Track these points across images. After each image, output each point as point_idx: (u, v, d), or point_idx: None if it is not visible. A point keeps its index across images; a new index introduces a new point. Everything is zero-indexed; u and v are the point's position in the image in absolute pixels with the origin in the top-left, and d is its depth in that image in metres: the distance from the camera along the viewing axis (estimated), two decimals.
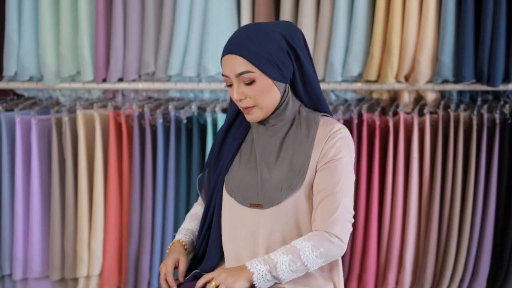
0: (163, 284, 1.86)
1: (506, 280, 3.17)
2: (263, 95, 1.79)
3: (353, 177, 1.83)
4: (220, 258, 1.95)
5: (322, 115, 1.88)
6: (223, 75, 1.82)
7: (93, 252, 3.37)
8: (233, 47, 1.78)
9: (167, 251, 1.96)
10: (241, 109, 1.86)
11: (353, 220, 1.81)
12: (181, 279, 1.89)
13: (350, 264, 3.31)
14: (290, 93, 1.86)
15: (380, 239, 3.27)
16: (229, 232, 1.89)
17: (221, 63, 1.82)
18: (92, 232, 3.37)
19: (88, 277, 3.44)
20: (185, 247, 1.97)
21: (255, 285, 1.72)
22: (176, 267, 1.91)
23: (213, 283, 1.70)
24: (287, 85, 1.84)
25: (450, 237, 3.17)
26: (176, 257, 1.91)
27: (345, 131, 1.84)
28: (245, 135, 1.94)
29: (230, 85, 1.83)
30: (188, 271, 1.99)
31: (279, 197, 1.79)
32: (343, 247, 1.78)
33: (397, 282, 3.27)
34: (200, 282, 1.74)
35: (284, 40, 1.78)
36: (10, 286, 3.50)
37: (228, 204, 1.90)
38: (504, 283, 3.17)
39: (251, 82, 1.78)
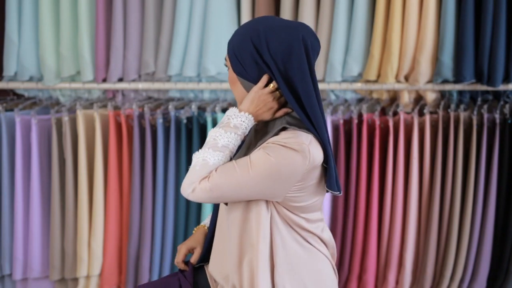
0: (179, 265, 2.02)
1: (506, 280, 3.17)
2: (231, 84, 1.85)
3: (259, 179, 1.69)
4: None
5: (290, 128, 1.73)
6: None
7: (93, 252, 3.37)
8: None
9: (194, 231, 2.07)
10: None
11: (213, 199, 1.74)
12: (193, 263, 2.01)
13: (350, 264, 3.31)
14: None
15: (380, 239, 3.27)
16: (217, 228, 1.95)
17: None
18: (92, 232, 3.37)
19: (88, 277, 3.44)
20: (206, 228, 2.06)
21: None
22: (191, 252, 2.03)
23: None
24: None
25: (450, 237, 3.17)
26: (192, 245, 2.02)
27: (300, 146, 1.67)
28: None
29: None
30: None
31: None
32: (186, 191, 1.73)
33: (397, 282, 3.27)
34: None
35: (256, 38, 1.72)
36: (10, 286, 3.50)
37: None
38: (504, 283, 3.17)
39: (228, 69, 1.84)
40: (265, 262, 1.77)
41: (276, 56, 1.72)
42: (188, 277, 1.97)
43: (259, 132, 1.85)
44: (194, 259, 2.00)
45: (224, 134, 1.75)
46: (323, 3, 3.24)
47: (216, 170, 1.72)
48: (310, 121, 1.73)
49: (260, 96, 1.76)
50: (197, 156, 1.76)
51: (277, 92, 1.77)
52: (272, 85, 1.75)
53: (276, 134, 1.74)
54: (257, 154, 1.70)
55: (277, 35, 1.72)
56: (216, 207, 1.98)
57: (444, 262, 3.19)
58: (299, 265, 1.82)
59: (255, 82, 1.78)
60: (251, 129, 1.91)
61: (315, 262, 1.85)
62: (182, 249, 2.02)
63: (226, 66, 1.84)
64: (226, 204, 1.82)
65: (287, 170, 1.68)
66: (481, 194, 3.13)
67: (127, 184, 3.36)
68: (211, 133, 1.78)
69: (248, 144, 1.86)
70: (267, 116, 1.79)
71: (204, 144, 1.78)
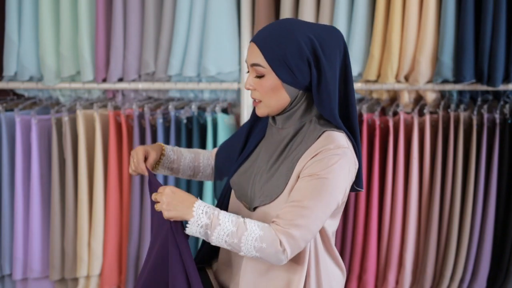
0: (139, 169, 1.92)
1: (506, 280, 3.17)
2: (269, 93, 1.74)
3: (331, 202, 1.68)
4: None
5: (329, 130, 1.74)
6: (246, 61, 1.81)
7: (93, 252, 3.37)
8: (257, 36, 1.75)
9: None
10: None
11: (307, 243, 1.69)
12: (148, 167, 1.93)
13: (350, 264, 3.31)
14: (304, 100, 1.77)
15: (380, 239, 3.27)
16: None
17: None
18: (92, 232, 3.37)
19: (88, 277, 3.44)
20: (163, 149, 2.01)
21: (184, 228, 1.69)
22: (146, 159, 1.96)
23: (156, 197, 1.70)
24: (302, 92, 1.76)
25: (450, 237, 3.17)
26: (148, 149, 1.96)
27: (343, 151, 1.69)
28: (263, 135, 1.91)
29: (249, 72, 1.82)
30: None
31: (257, 203, 1.77)
32: (284, 262, 1.67)
33: (397, 282, 3.28)
34: (154, 192, 1.74)
35: (310, 45, 1.70)
36: (10, 286, 3.50)
37: (232, 197, 1.92)
38: (504, 283, 3.18)
39: (261, 76, 1.74)
40: (313, 283, 1.79)
41: (331, 58, 1.71)
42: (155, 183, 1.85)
43: (286, 136, 1.79)
44: (149, 165, 1.94)
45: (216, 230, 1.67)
46: (323, 3, 3.24)
47: (286, 229, 1.64)
48: (348, 123, 1.78)
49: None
50: (246, 241, 1.65)
51: None
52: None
53: (316, 137, 1.73)
54: (319, 186, 1.66)
55: (328, 39, 1.72)
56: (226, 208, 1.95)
57: (444, 262, 3.19)
58: (334, 282, 1.87)
59: (304, 87, 1.74)
60: (268, 125, 1.88)
61: (341, 276, 1.93)
62: (139, 152, 1.93)
63: (259, 76, 1.74)
64: (252, 209, 1.78)
65: (346, 180, 1.71)
66: (481, 194, 3.13)
67: (127, 184, 3.36)
68: (223, 236, 1.68)
69: (272, 147, 1.81)
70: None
71: (233, 236, 1.66)
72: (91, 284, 3.43)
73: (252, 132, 1.94)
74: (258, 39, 1.73)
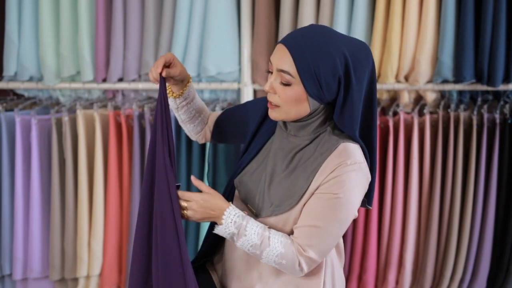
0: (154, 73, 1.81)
1: (506, 280, 3.17)
2: (292, 103, 1.68)
3: (347, 218, 1.69)
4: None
5: (345, 142, 1.71)
6: (270, 59, 1.73)
7: (93, 252, 3.37)
8: (291, 41, 1.67)
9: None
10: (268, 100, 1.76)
11: (323, 259, 1.75)
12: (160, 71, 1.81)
13: (350, 264, 3.31)
14: (323, 114, 1.73)
15: (380, 239, 3.27)
16: None
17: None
18: (92, 232, 3.37)
19: (88, 277, 3.44)
20: (190, 79, 1.93)
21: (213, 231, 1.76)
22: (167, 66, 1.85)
23: (185, 204, 1.71)
24: (323, 106, 1.72)
25: (450, 237, 3.17)
26: (176, 61, 1.84)
27: (358, 166, 1.67)
28: (271, 134, 1.87)
29: (270, 72, 1.74)
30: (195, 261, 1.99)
31: (266, 212, 1.76)
32: (300, 275, 1.74)
33: (397, 282, 3.27)
34: (180, 196, 1.73)
35: (343, 63, 1.64)
36: (10, 286, 3.50)
37: (236, 198, 1.91)
38: (504, 283, 3.18)
39: (287, 84, 1.67)
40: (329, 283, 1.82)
41: (360, 79, 1.68)
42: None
43: (299, 144, 1.76)
44: (167, 72, 1.82)
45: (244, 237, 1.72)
46: (323, 3, 3.24)
47: (305, 246, 1.69)
48: (369, 143, 1.77)
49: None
50: (268, 254, 1.71)
51: None
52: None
53: (331, 149, 1.71)
54: (334, 206, 1.67)
55: (360, 57, 1.67)
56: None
57: (444, 262, 3.19)
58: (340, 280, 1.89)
59: (326, 102, 1.70)
60: (277, 128, 1.84)
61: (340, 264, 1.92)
62: (167, 55, 1.82)
63: (285, 83, 1.68)
64: (259, 216, 1.78)
65: (361, 194, 1.72)
66: (481, 194, 3.13)
67: (127, 184, 3.36)
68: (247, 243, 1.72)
69: (283, 153, 1.78)
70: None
71: (256, 248, 1.72)
72: (91, 284, 3.43)
73: (260, 128, 1.90)
74: (292, 46, 1.65)
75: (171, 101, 1.95)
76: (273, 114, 1.74)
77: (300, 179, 1.71)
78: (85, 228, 3.36)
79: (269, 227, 1.74)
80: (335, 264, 1.85)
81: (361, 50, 1.68)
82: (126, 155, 3.34)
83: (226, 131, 2.04)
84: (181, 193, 1.72)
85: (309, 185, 1.69)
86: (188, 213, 1.72)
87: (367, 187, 1.74)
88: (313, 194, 1.69)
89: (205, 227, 3.20)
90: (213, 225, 1.84)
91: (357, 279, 3.31)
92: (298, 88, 1.67)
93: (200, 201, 1.71)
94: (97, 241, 3.37)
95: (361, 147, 1.74)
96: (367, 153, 1.76)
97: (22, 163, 3.34)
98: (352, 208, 1.69)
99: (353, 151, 1.69)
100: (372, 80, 1.71)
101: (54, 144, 3.33)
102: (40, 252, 3.40)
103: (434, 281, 3.25)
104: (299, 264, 1.70)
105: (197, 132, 2.08)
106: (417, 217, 3.22)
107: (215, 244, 1.98)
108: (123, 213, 3.39)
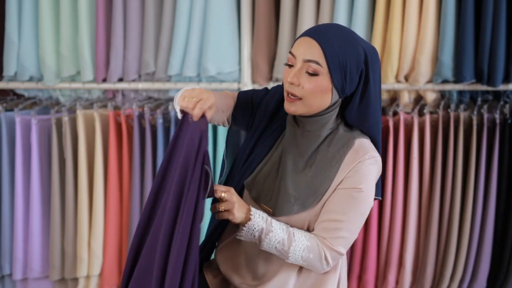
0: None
1: (506, 280, 3.17)
2: (317, 93, 1.70)
3: (367, 210, 1.76)
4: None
5: (359, 137, 1.78)
6: (290, 52, 1.74)
7: (93, 252, 3.37)
8: (317, 33, 1.70)
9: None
10: (286, 94, 1.74)
11: (346, 251, 1.79)
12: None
13: (350, 264, 3.31)
14: (338, 108, 1.78)
15: (380, 239, 3.27)
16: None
17: (293, 43, 1.76)
18: (92, 232, 3.37)
19: (88, 277, 3.44)
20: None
21: (239, 232, 1.73)
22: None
23: (224, 195, 1.69)
24: (340, 99, 1.76)
25: (450, 237, 3.17)
26: (214, 103, 1.70)
27: (375, 160, 1.75)
28: (281, 132, 1.87)
29: (290, 66, 1.74)
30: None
31: (289, 210, 1.76)
32: (325, 270, 1.78)
33: (397, 282, 3.28)
34: (216, 193, 1.69)
35: (364, 57, 1.71)
36: (10, 286, 3.50)
37: (246, 200, 1.86)
38: (504, 283, 3.17)
39: (313, 74, 1.69)
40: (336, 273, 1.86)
41: (376, 74, 1.75)
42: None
43: (315, 141, 1.78)
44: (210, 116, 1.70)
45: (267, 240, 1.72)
46: (323, 3, 3.24)
47: (329, 242, 1.73)
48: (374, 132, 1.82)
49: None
50: (295, 254, 1.73)
51: None
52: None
53: (349, 145, 1.76)
54: (356, 199, 1.72)
55: (374, 55, 1.75)
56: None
57: (444, 262, 3.19)
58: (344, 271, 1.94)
59: (345, 95, 1.74)
60: (288, 126, 1.84)
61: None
62: (209, 101, 1.67)
63: (312, 73, 1.69)
64: (278, 215, 1.77)
65: (375, 183, 1.79)
66: (481, 194, 3.13)
67: (127, 184, 3.36)
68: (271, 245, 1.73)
69: (299, 150, 1.79)
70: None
71: (280, 248, 1.73)
72: (91, 284, 3.43)
73: (269, 126, 1.89)
74: (320, 37, 1.69)
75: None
76: (292, 108, 1.74)
77: (322, 176, 1.75)
78: (85, 228, 3.36)
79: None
80: (343, 261, 1.90)
81: (374, 50, 1.76)
82: (126, 155, 3.34)
83: (237, 118, 1.97)
84: (216, 186, 1.71)
85: (332, 180, 1.74)
86: (225, 205, 1.68)
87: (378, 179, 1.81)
88: (335, 190, 1.74)
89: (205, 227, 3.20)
90: (211, 229, 1.87)
91: (357, 279, 3.31)
92: (325, 78, 1.70)
93: (235, 195, 1.71)
94: (97, 241, 3.37)
95: (372, 141, 1.81)
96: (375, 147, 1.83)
97: (22, 163, 3.34)
98: (371, 199, 1.76)
99: (368, 145, 1.77)
100: (380, 80, 1.79)
101: (54, 144, 3.33)
102: (40, 252, 3.40)
103: (434, 281, 3.25)
104: (325, 258, 1.73)
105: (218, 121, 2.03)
106: (417, 217, 3.22)
107: (213, 249, 1.98)
108: (123, 213, 3.39)
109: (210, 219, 1.98)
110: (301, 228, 1.78)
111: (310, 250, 1.72)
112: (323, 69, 1.68)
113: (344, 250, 1.75)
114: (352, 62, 1.69)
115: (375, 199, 1.83)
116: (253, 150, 1.88)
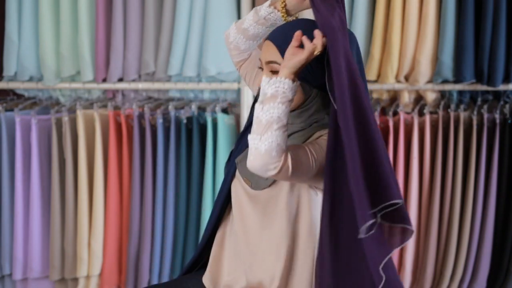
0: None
1: (506, 280, 3.17)
2: None
3: (316, 158, 1.66)
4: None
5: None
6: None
7: (93, 252, 3.37)
8: (272, 34, 1.75)
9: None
10: None
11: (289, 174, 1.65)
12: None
13: None
14: (317, 100, 1.75)
15: None
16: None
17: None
18: (92, 232, 3.37)
19: (88, 277, 3.44)
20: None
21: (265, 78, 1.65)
22: None
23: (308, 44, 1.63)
24: (316, 91, 1.74)
25: (450, 237, 3.17)
26: None
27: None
28: None
29: (261, 69, 1.80)
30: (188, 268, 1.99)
31: (264, 184, 1.77)
32: (271, 169, 1.60)
33: None
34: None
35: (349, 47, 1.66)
36: (10, 286, 3.50)
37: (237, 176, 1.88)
38: (504, 283, 3.18)
39: (276, 72, 1.70)
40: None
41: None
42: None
43: (294, 129, 1.79)
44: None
45: (262, 109, 1.62)
46: None
47: (290, 155, 1.61)
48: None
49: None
50: (265, 140, 1.60)
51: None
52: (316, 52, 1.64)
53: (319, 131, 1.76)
54: (309, 143, 1.69)
55: (355, 40, 1.76)
56: (218, 210, 1.93)
57: (444, 262, 3.19)
58: None
59: (318, 86, 1.72)
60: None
61: None
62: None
63: (274, 71, 1.71)
64: (257, 189, 1.78)
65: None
66: (481, 194, 3.13)
67: (127, 184, 3.36)
68: (255, 113, 1.64)
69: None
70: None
71: (255, 126, 1.62)
72: (91, 284, 3.43)
73: None
74: (274, 37, 1.73)
75: (271, 13, 1.85)
76: None
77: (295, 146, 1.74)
78: (85, 228, 3.36)
79: (264, 200, 1.77)
80: None
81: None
82: (126, 155, 3.34)
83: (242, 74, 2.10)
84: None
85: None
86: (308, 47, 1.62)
87: None
88: None
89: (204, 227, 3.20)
90: (208, 240, 1.91)
91: None
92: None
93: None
94: (97, 241, 3.37)
95: None
96: None
97: (22, 163, 3.34)
98: (323, 153, 1.66)
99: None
100: (359, 61, 1.75)
101: (54, 144, 3.33)
102: (40, 252, 3.40)
103: (434, 281, 3.25)
104: (285, 157, 1.60)
105: (243, 58, 2.08)
106: (417, 217, 3.22)
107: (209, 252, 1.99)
108: (123, 213, 3.39)
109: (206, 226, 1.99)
110: (275, 199, 1.77)
111: (283, 142, 1.60)
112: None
113: (291, 166, 1.61)
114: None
115: None
116: (246, 129, 1.90)
